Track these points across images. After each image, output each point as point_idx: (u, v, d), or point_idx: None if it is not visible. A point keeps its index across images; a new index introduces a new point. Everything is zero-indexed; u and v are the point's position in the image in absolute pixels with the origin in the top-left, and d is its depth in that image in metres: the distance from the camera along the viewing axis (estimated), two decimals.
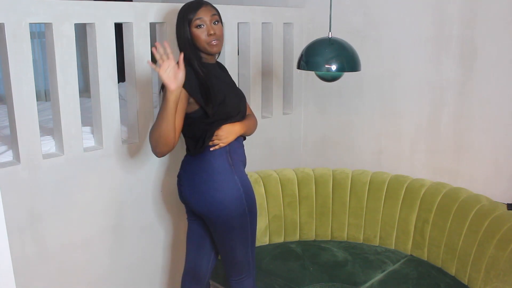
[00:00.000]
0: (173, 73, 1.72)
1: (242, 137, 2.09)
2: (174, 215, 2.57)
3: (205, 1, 1.95)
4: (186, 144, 2.02)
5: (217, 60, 2.09)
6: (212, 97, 1.89)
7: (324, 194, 2.75)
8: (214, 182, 1.95)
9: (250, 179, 2.66)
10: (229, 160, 1.98)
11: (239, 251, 2.04)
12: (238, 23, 2.69)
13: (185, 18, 1.90)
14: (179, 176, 2.06)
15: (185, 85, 1.80)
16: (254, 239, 2.10)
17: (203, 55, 1.95)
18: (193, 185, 1.98)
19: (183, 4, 1.95)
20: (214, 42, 1.91)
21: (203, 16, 1.89)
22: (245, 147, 2.13)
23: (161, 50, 1.73)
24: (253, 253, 2.12)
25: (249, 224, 2.02)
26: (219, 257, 2.16)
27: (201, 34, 1.89)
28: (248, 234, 2.03)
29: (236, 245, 2.02)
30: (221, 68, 2.13)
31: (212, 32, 1.89)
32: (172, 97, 1.74)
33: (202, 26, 1.89)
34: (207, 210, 1.97)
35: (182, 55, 1.78)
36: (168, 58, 1.73)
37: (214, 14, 1.92)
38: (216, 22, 1.92)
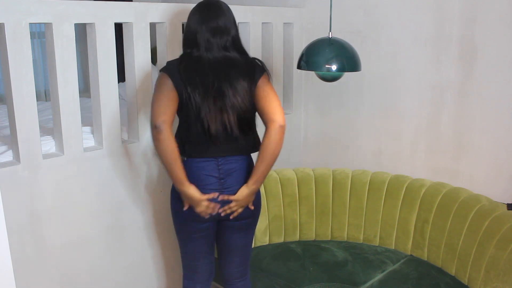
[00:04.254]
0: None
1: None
2: None
3: None
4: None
5: None
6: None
7: (324, 194, 2.75)
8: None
9: None
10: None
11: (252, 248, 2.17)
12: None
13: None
14: (222, 178, 1.93)
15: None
16: None
17: None
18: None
19: (188, 3, 1.95)
20: None
21: None
22: None
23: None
24: None
25: None
26: (220, 260, 2.18)
27: None
28: None
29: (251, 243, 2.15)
30: None
31: None
32: (181, 189, 1.88)
33: None
34: (256, 209, 2.04)
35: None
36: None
37: None
38: None
